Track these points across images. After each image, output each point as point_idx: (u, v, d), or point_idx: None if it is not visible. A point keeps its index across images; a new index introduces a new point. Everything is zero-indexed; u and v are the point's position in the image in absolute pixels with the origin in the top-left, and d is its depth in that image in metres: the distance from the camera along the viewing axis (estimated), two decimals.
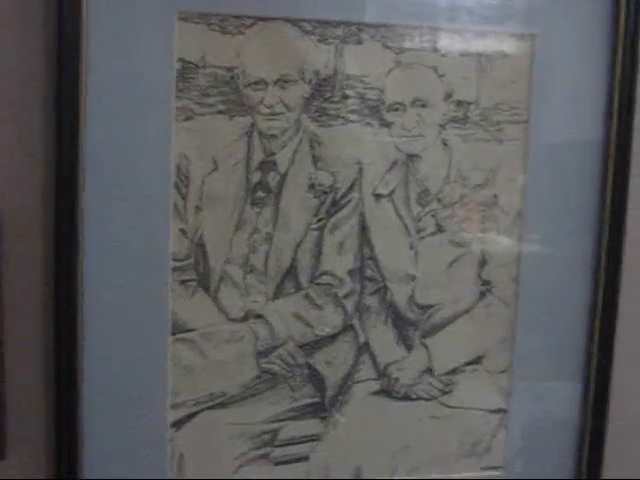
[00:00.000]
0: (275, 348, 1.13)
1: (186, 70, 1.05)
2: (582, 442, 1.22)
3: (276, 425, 1.15)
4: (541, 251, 1.19)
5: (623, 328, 1.21)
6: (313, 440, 1.16)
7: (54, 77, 1.00)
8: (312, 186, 1.12)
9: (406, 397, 1.18)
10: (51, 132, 1.02)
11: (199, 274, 1.09)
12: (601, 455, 1.21)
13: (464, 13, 1.13)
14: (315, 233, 1.12)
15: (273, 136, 1.09)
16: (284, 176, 1.10)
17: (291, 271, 1.12)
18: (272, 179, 1.10)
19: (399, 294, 1.16)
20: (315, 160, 1.11)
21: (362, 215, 1.13)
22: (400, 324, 1.17)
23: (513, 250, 1.18)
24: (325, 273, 1.14)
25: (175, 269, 1.08)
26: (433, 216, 1.16)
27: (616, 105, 1.16)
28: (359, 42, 1.09)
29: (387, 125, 1.12)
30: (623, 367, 1.22)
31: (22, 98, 1.03)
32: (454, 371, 1.19)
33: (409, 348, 1.17)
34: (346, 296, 1.15)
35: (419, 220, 1.15)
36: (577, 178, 1.19)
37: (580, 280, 1.20)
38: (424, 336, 1.18)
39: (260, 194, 1.10)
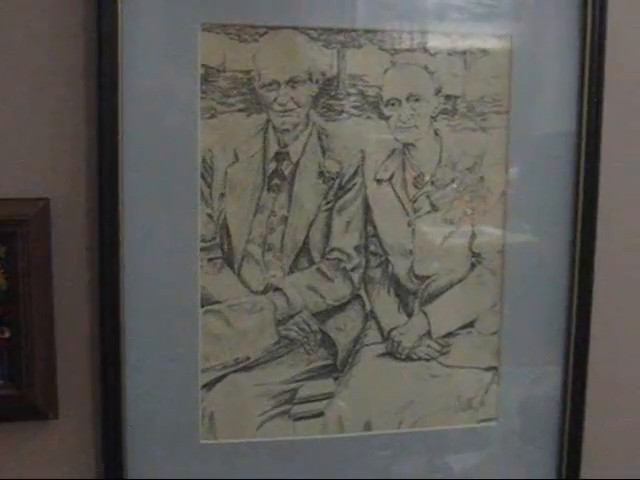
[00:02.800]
0: (292, 317, 1.23)
1: (209, 74, 1.16)
2: (565, 395, 1.32)
3: (294, 385, 1.24)
4: (523, 226, 1.29)
5: (599, 288, 1.31)
6: (327, 398, 1.26)
7: (96, 80, 1.12)
8: (321, 173, 1.21)
9: (408, 358, 1.27)
10: (93, 129, 1.14)
11: (224, 253, 1.20)
12: (583, 402, 1.32)
13: (450, 17, 1.22)
14: (325, 214, 1.22)
15: (286, 130, 1.19)
16: (296, 165, 1.20)
17: (304, 248, 1.22)
18: (286, 168, 1.20)
19: (399, 267, 1.26)
20: (323, 150, 1.21)
21: (365, 197, 1.23)
22: (401, 293, 1.26)
23: (499, 225, 1.28)
24: (334, 249, 1.23)
25: (203, 249, 1.19)
26: (427, 197, 1.25)
27: (585, 98, 1.26)
28: (358, 46, 1.20)
29: (385, 118, 1.22)
30: (601, 319, 1.32)
31: (66, 99, 1.14)
32: (450, 334, 1.28)
33: (410, 314, 1.27)
34: (353, 269, 1.24)
35: (415, 201, 1.25)
36: (553, 160, 1.28)
37: (558, 250, 1.30)
38: (423, 303, 1.27)
39: (276, 181, 1.20)
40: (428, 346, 1.29)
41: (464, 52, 1.24)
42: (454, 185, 1.27)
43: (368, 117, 1.22)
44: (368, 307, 1.26)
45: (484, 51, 1.25)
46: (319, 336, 1.25)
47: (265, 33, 1.18)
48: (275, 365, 1.24)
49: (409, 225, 1.26)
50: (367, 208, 1.24)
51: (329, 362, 1.26)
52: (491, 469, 1.33)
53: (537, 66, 1.28)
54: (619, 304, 1.36)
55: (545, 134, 1.29)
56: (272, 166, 1.20)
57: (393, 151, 1.24)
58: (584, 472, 1.35)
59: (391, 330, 1.27)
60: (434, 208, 1.26)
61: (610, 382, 1.37)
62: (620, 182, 1.33)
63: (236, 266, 1.21)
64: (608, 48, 1.27)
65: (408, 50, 1.23)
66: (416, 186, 1.25)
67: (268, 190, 1.21)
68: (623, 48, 1.29)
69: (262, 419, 1.25)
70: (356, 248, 1.24)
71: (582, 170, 1.28)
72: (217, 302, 1.21)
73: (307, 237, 1.23)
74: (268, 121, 1.19)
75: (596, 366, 1.33)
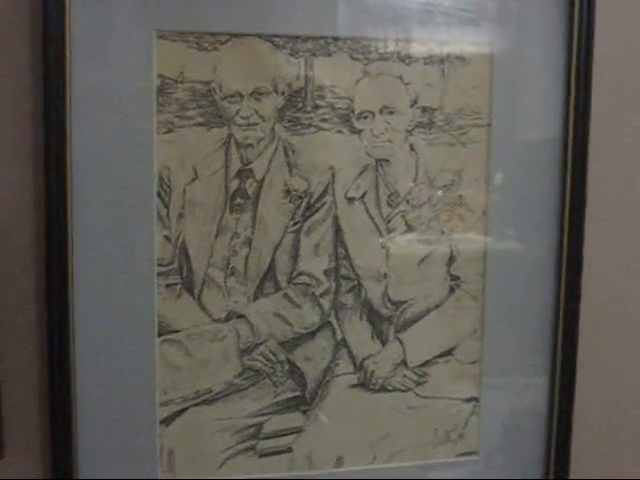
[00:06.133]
0: (257, 346, 1.20)
1: (166, 85, 1.12)
2: (550, 426, 1.29)
3: (260, 419, 1.22)
4: (505, 247, 1.27)
5: (585, 317, 1.28)
6: (296, 432, 1.23)
7: (42, 96, 1.08)
8: (288, 192, 1.19)
9: (383, 389, 1.25)
10: (40, 149, 1.09)
11: (183, 278, 1.16)
12: (569, 438, 1.29)
13: (426, 24, 1.19)
14: (292, 236, 1.19)
15: (249, 145, 1.16)
16: (261, 183, 1.18)
17: (270, 272, 1.19)
18: (249, 186, 1.17)
19: (373, 291, 1.23)
20: (290, 167, 1.18)
21: (336, 217, 1.20)
22: (375, 320, 1.24)
23: (479, 247, 1.25)
24: (302, 273, 1.21)
25: (160, 273, 1.16)
26: (403, 217, 1.23)
27: (572, 105, 1.23)
28: (328, 54, 1.17)
29: (357, 132, 1.19)
30: (586, 353, 1.30)
31: (11, 116, 1.10)
32: (427, 363, 1.26)
33: (384, 342, 1.24)
34: (323, 295, 1.22)
35: (389, 221, 1.22)
36: (538, 177, 1.26)
37: (543, 273, 1.27)
38: (398, 330, 1.25)
39: (239, 200, 1.17)
40: (404, 376, 1.27)
41: (441, 61, 1.22)
42: (431, 203, 1.24)
43: (338, 131, 1.20)
44: (339, 335, 1.24)
45: (463, 59, 1.22)
46: (286, 366, 1.22)
47: (227, 41, 1.15)
48: (239, 398, 1.21)
49: (383, 247, 1.24)
50: (337, 229, 1.22)
51: (297, 394, 1.24)
52: None
53: (520, 74, 1.25)
54: (607, 333, 1.34)
55: (528, 148, 1.26)
56: (235, 184, 1.18)
57: (365, 167, 1.22)
58: None
59: (364, 359, 1.25)
60: (410, 228, 1.24)
61: (597, 415, 1.35)
62: (608, 197, 1.31)
63: (196, 292, 1.18)
64: (596, 53, 1.25)
65: (381, 59, 1.20)
66: (390, 205, 1.23)
67: (230, 210, 1.18)
68: (611, 52, 1.28)
69: (225, 456, 1.22)
70: (326, 272, 1.22)
71: (568, 187, 1.25)
72: (176, 331, 1.18)
73: (273, 260, 1.20)
74: (230, 136, 1.16)
75: (584, 396, 1.31)
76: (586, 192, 1.26)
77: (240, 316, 1.20)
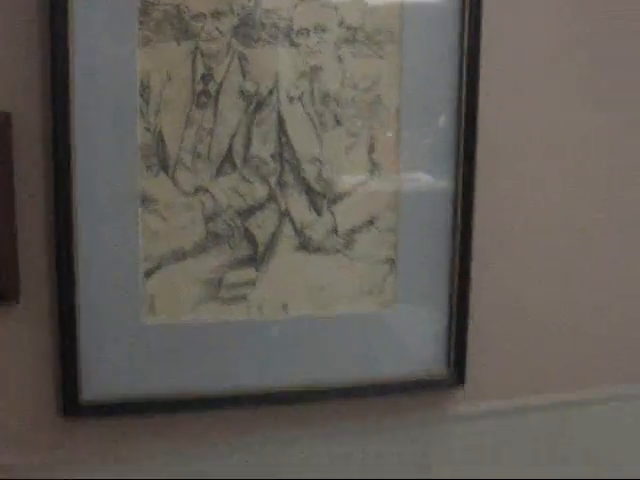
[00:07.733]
0: (218, 215, 1.41)
1: (146, 7, 1.35)
2: (452, 269, 1.58)
3: (221, 273, 1.44)
4: (415, 137, 1.51)
5: (480, 192, 1.55)
6: (250, 284, 1.46)
7: (47, 21, 1.28)
8: (242, 92, 1.40)
9: (319, 250, 1.47)
10: (47, 58, 1.30)
11: (160, 160, 1.36)
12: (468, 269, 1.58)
13: None
14: (245, 127, 1.39)
15: (211, 55, 1.37)
16: (220, 85, 1.37)
17: (228, 156, 1.39)
18: (211, 88, 1.37)
19: (310, 172, 1.44)
20: (243, 73, 1.37)
21: (280, 113, 1.40)
22: (311, 195, 1.45)
23: (394, 137, 1.50)
24: (254, 157, 1.40)
25: (142, 156, 1.35)
26: (333, 113, 1.46)
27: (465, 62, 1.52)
28: None
29: (296, 45, 1.40)
30: (483, 222, 1.59)
31: (19, 33, 1.31)
32: (353, 230, 1.49)
33: (319, 213, 1.46)
34: (270, 174, 1.42)
35: (322, 116, 1.46)
36: (439, 80, 1.51)
37: (446, 153, 1.53)
38: (330, 204, 1.47)
39: (203, 99, 1.37)
40: (335, 240, 1.49)
41: None
42: (355, 102, 1.48)
43: (281, 44, 1.40)
44: (283, 207, 1.44)
45: None
46: (242, 231, 1.42)
47: None
48: (205, 256, 1.41)
49: (317, 137, 1.46)
50: (281, 122, 1.41)
51: (251, 253, 1.44)
52: (388, 345, 1.59)
53: (426, 14, 1.51)
54: (501, 204, 1.61)
55: (431, 58, 1.51)
56: (200, 86, 1.36)
57: (303, 73, 1.41)
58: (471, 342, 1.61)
59: (303, 227, 1.46)
60: (338, 122, 1.47)
61: (494, 270, 1.63)
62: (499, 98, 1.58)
63: (170, 171, 1.37)
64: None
65: None
66: (323, 103, 1.45)
67: (196, 107, 1.37)
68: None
69: (195, 301, 1.44)
70: (272, 156, 1.42)
71: (464, 84, 1.53)
72: (155, 201, 1.38)
73: (230, 147, 1.39)
74: (196, 48, 1.35)
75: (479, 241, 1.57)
76: (478, 77, 1.52)
77: (205, 191, 1.39)
